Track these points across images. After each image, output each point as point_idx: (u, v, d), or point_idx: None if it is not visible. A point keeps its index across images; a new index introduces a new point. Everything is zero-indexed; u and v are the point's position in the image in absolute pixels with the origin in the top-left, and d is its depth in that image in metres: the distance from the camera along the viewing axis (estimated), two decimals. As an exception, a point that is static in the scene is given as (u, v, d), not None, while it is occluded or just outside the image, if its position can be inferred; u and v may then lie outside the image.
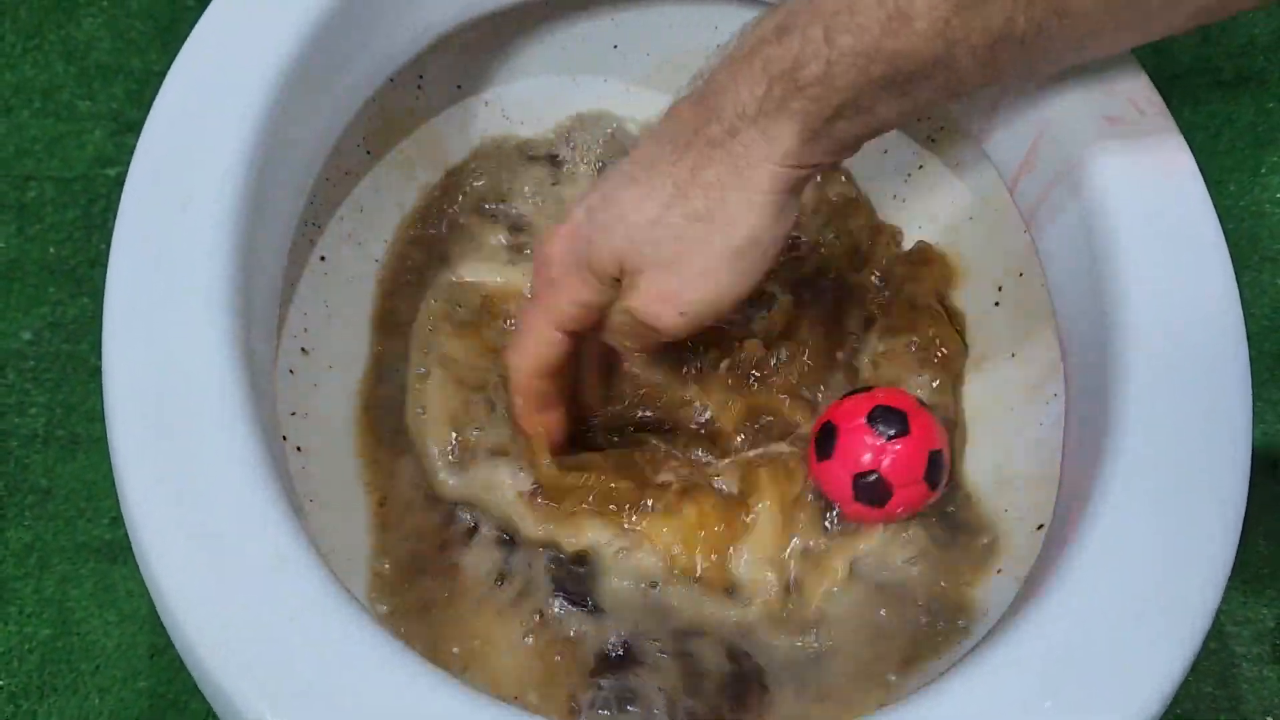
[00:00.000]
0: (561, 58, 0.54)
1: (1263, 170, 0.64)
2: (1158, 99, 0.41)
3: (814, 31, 0.34)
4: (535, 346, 0.40)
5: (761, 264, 0.37)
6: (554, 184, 0.52)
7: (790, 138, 0.35)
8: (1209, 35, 0.67)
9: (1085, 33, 0.35)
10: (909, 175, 0.53)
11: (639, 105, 0.55)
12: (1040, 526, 0.42)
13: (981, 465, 0.47)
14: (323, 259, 0.48)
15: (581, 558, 0.43)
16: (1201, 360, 0.36)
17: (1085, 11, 0.34)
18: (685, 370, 0.47)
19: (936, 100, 0.36)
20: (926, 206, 0.53)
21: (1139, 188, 0.39)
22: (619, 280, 0.38)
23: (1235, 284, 0.37)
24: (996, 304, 0.50)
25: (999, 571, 0.43)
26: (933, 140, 0.52)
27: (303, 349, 0.46)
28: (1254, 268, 0.62)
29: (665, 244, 0.36)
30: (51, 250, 0.59)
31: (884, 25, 0.33)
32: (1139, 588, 0.32)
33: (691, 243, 0.36)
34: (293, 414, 0.44)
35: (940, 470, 0.42)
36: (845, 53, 0.33)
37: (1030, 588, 0.34)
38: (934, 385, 0.47)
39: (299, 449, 0.44)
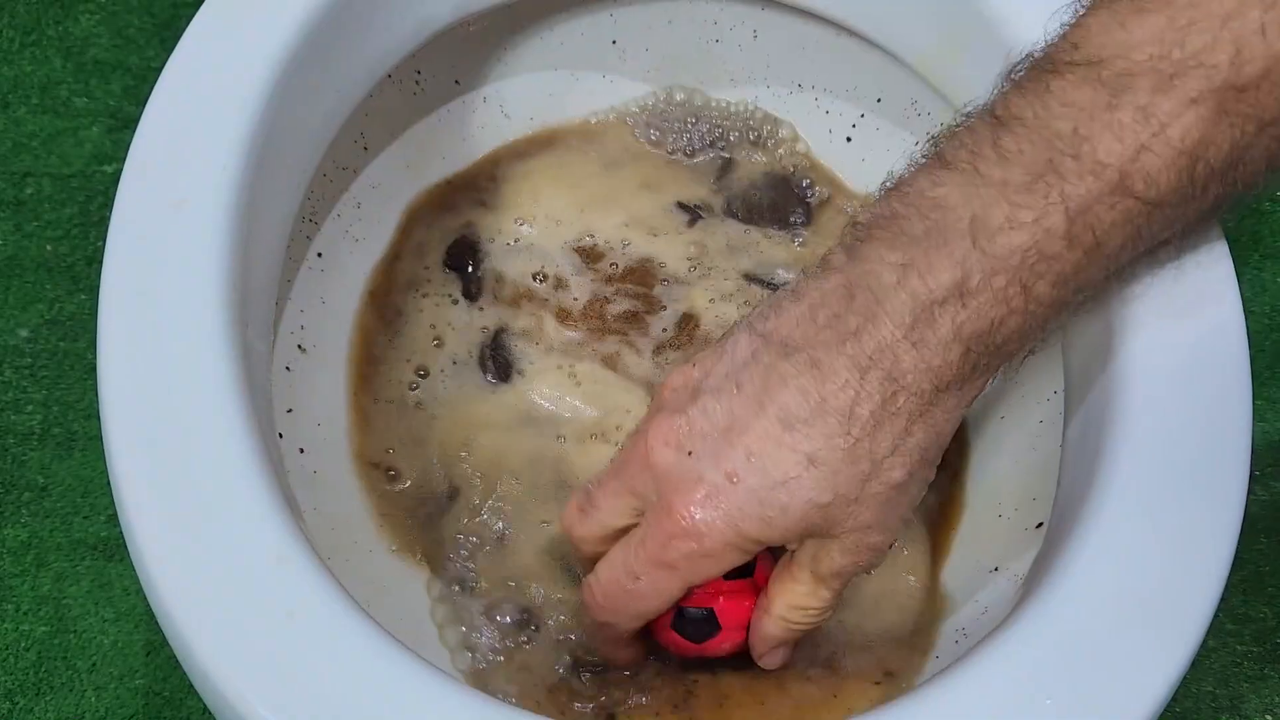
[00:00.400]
0: (561, 53, 0.54)
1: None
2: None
3: (1010, 288, 0.29)
4: (660, 604, 0.36)
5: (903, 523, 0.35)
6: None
7: (983, 386, 0.33)
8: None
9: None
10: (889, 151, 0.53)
11: (638, 100, 0.55)
12: (1039, 525, 0.42)
13: (978, 461, 0.47)
14: (320, 255, 0.48)
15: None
16: (1202, 357, 0.35)
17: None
18: None
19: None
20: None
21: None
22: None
23: (1236, 281, 0.37)
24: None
25: (994, 570, 0.43)
26: (917, 117, 0.52)
27: (299, 346, 0.46)
28: (1254, 265, 0.62)
29: (869, 512, 0.33)
30: (49, 247, 0.59)
31: (1078, 259, 0.29)
32: (1138, 587, 0.32)
33: (897, 503, 0.33)
34: (289, 411, 0.44)
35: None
36: (1043, 301, 0.30)
37: (1029, 587, 0.33)
38: None
39: (300, 450, 0.44)
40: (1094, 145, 0.28)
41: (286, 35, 0.39)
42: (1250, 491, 0.35)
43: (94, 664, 0.49)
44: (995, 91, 0.31)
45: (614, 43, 0.54)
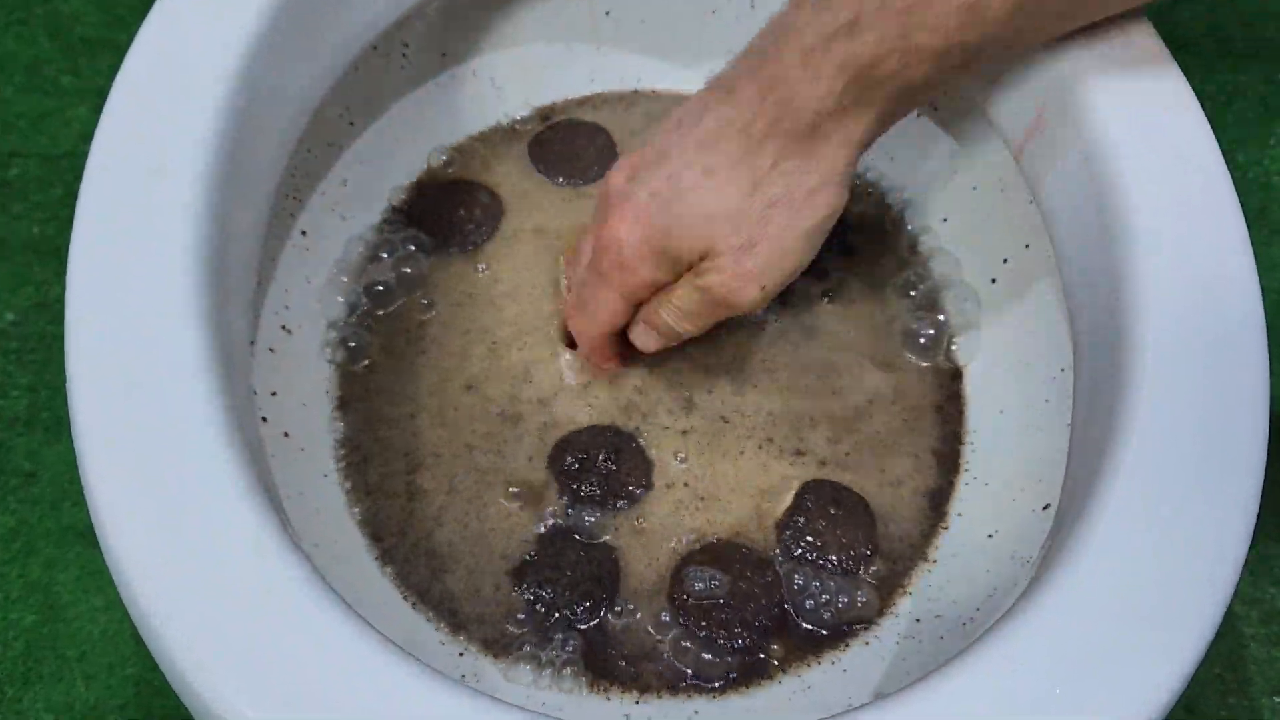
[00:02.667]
0: (553, 25, 0.53)
1: (1271, 141, 0.63)
2: (1169, 57, 0.40)
3: (890, 30, 0.34)
4: (607, 316, 0.42)
5: (823, 237, 0.39)
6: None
7: (867, 127, 0.37)
8: (1219, 4, 0.65)
9: None
10: (916, 147, 0.52)
11: (633, 73, 0.54)
12: (1046, 506, 0.41)
13: (984, 442, 0.46)
14: (304, 234, 0.47)
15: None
16: (1217, 331, 0.34)
17: None
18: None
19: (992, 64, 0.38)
20: (930, 178, 0.52)
21: (1152, 153, 0.38)
22: (690, 263, 0.40)
23: (1251, 255, 0.36)
24: (994, 280, 0.49)
25: (1013, 557, 0.42)
26: (935, 109, 0.50)
27: (283, 327, 0.45)
28: (1263, 241, 0.61)
29: (748, 229, 0.38)
30: (36, 229, 0.58)
31: (960, 19, 0.34)
32: (1151, 573, 0.31)
33: (773, 226, 0.38)
34: (274, 394, 0.43)
35: None
36: (922, 49, 0.34)
37: (1040, 573, 0.32)
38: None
39: (286, 435, 0.43)
40: None
41: (264, 3, 0.38)
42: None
43: (84, 653, 0.49)
44: None
45: (608, 14, 0.53)
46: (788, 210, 0.37)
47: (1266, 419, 0.33)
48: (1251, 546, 0.51)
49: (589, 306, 0.42)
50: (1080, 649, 0.30)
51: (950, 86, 0.38)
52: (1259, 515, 0.46)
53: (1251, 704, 0.49)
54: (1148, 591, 0.31)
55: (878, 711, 0.29)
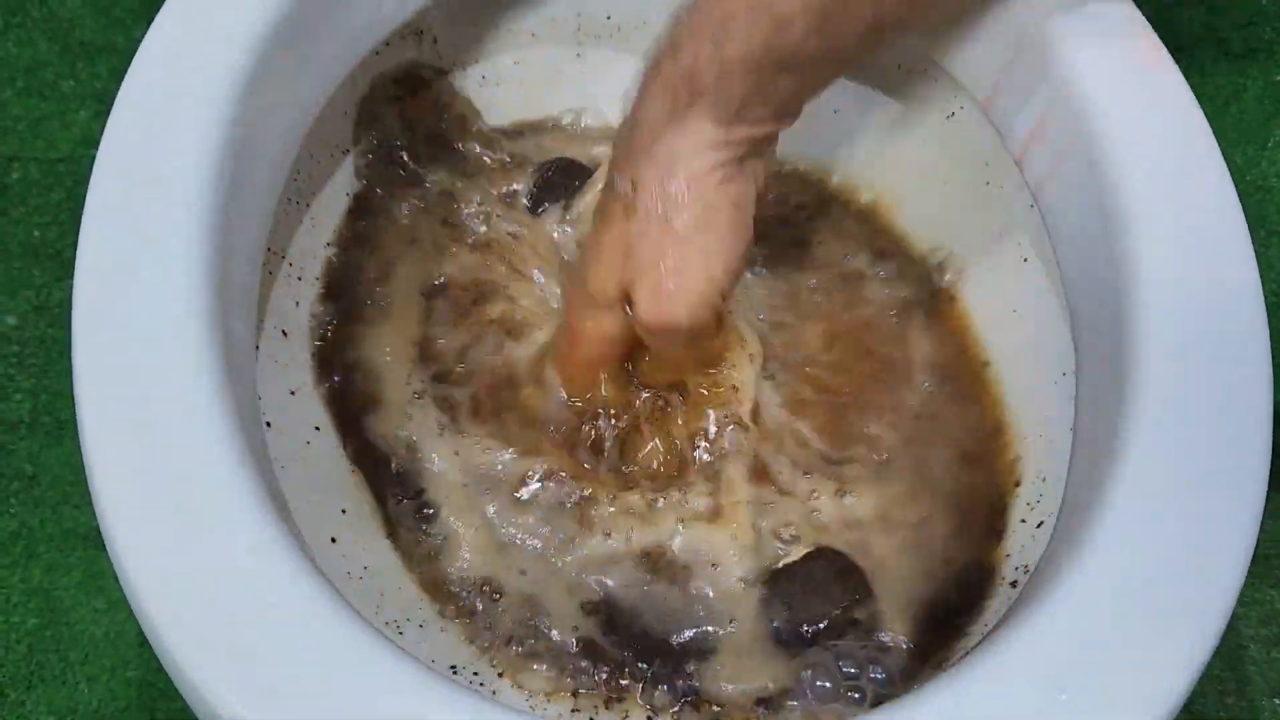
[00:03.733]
0: (557, 30, 0.53)
1: (1270, 144, 0.63)
2: (1170, 62, 0.40)
3: (703, 45, 0.37)
4: (581, 374, 0.44)
5: (734, 229, 0.39)
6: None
7: (706, 128, 0.38)
8: (1217, 6, 0.66)
9: None
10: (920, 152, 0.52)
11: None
12: (1039, 525, 0.41)
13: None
14: (310, 239, 0.47)
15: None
16: (1220, 334, 0.34)
17: None
18: None
19: (841, 71, 0.39)
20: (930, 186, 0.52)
21: (1154, 157, 0.38)
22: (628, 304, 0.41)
23: (1253, 256, 0.36)
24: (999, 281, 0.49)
25: (1008, 557, 0.42)
26: (950, 116, 0.51)
27: (283, 332, 0.45)
28: (1260, 243, 0.61)
29: (637, 253, 0.39)
30: (36, 233, 0.58)
31: (766, 32, 0.36)
32: (1156, 577, 0.31)
33: (656, 242, 0.39)
34: (292, 393, 0.43)
35: None
36: (734, 58, 0.36)
37: (1044, 577, 0.33)
38: None
39: (307, 443, 0.43)
40: None
41: (269, 6, 0.38)
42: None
43: (86, 655, 0.49)
44: None
45: (608, 18, 0.53)
46: (661, 224, 0.39)
47: (1270, 422, 0.34)
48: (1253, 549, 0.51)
49: (563, 361, 0.45)
50: (1085, 653, 0.30)
51: (812, 86, 0.40)
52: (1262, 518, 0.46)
53: (1251, 705, 0.49)
54: (1153, 595, 0.31)
55: (883, 716, 0.29)
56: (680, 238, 0.38)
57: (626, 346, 0.43)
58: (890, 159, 0.53)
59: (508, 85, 0.53)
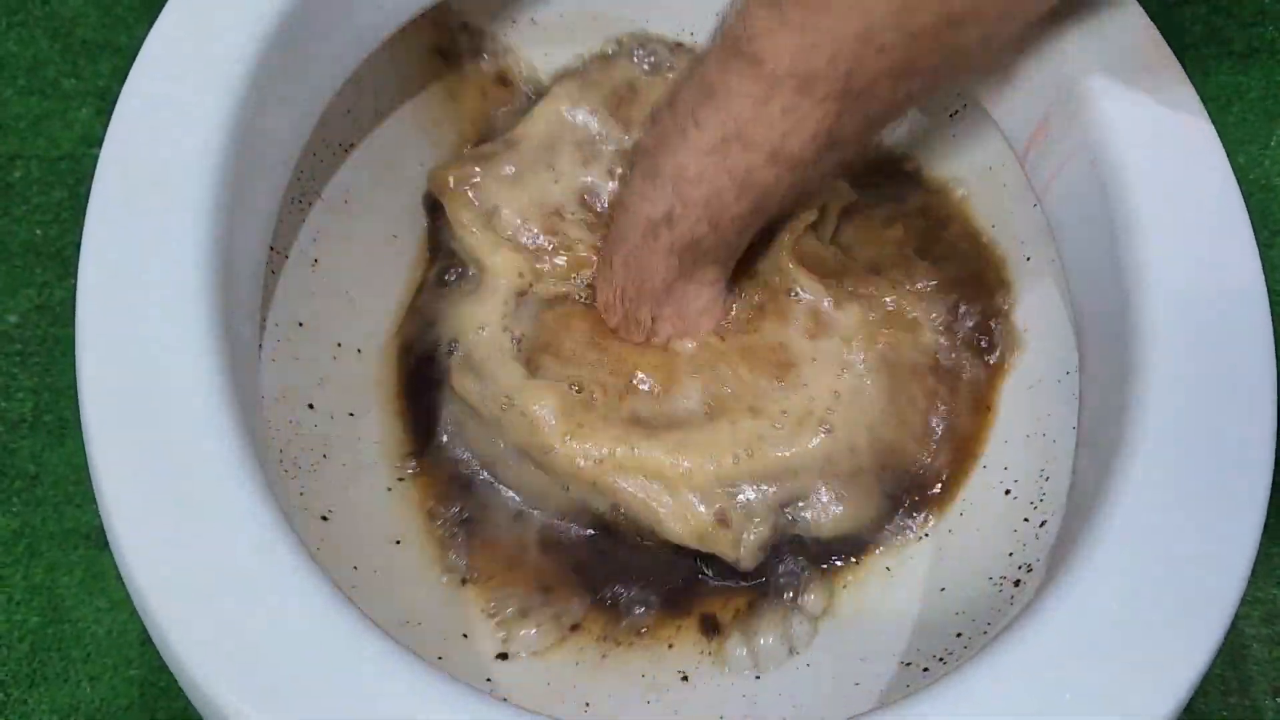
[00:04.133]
0: (564, 24, 0.53)
1: (1272, 143, 0.63)
2: (1174, 61, 0.40)
3: (700, 224, 0.40)
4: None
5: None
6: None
7: (713, 274, 0.43)
8: (1219, 6, 0.66)
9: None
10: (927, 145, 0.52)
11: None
12: (1044, 523, 0.41)
13: (988, 444, 0.46)
14: (314, 240, 0.47)
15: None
16: (1223, 334, 0.34)
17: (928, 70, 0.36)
18: None
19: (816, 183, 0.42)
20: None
21: (1158, 156, 0.38)
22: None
23: (1258, 258, 0.36)
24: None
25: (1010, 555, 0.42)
26: (954, 115, 0.50)
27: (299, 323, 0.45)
28: (1264, 242, 0.61)
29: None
30: (38, 232, 0.58)
31: (753, 198, 0.39)
32: (1160, 577, 0.31)
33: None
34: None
35: None
36: (729, 229, 0.40)
37: (1048, 577, 0.33)
38: None
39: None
40: (753, 130, 0.37)
41: (271, 6, 0.38)
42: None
43: (88, 654, 0.49)
44: (711, 44, 0.38)
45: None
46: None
47: (1274, 421, 0.34)
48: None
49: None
50: (1089, 653, 0.30)
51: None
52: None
53: (1253, 704, 0.49)
54: (1156, 595, 0.31)
55: (888, 715, 0.29)
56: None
57: None
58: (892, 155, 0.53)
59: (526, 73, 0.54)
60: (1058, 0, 0.38)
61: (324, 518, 0.42)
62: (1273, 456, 0.33)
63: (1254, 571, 0.51)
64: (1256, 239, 0.60)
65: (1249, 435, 0.33)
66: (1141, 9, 0.41)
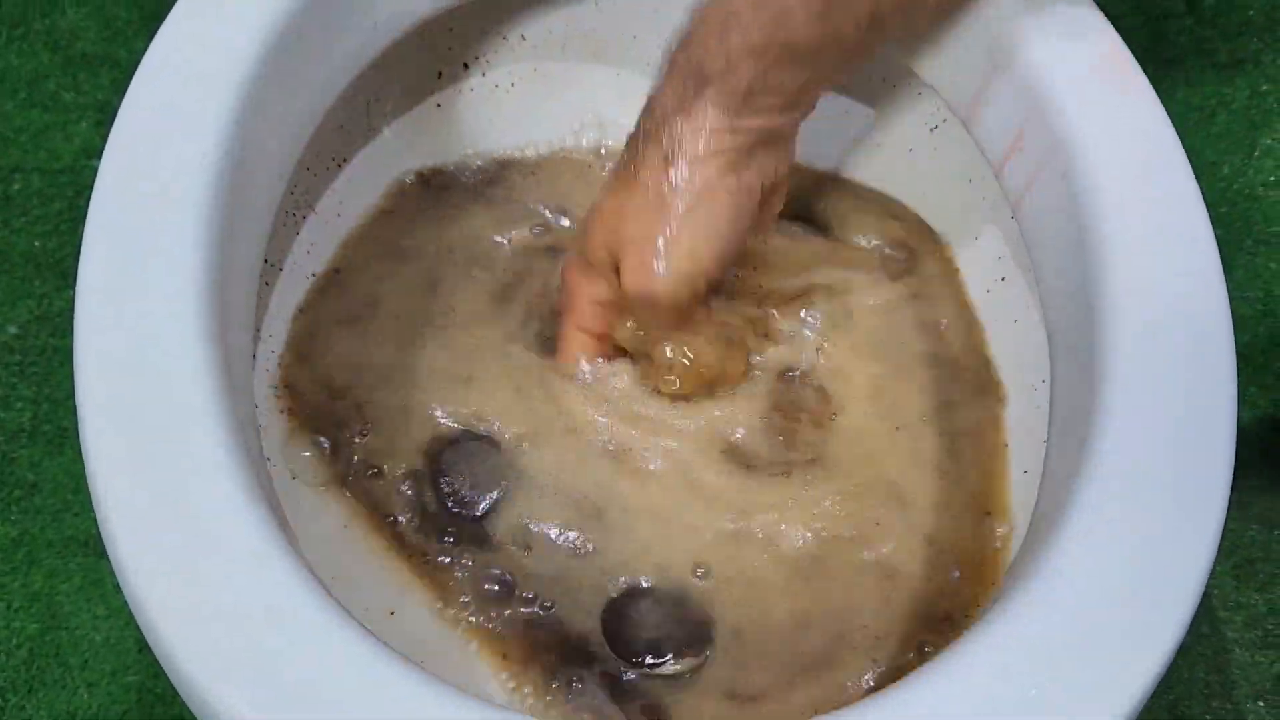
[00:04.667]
0: (557, 42, 0.53)
1: (1256, 153, 0.64)
2: (1145, 82, 0.41)
3: (710, 36, 0.39)
4: (570, 348, 0.46)
5: (730, 217, 0.41)
6: None
7: (713, 116, 0.40)
8: (1204, 18, 0.66)
9: None
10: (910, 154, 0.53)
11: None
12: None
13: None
14: (309, 252, 0.48)
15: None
16: (1187, 345, 0.35)
17: None
18: None
19: (846, 62, 0.41)
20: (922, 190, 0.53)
21: (1126, 172, 0.39)
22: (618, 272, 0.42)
23: (1221, 269, 0.37)
24: (988, 291, 0.50)
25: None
26: (934, 130, 0.51)
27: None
28: (1248, 250, 0.62)
29: (631, 224, 0.41)
30: (37, 243, 0.58)
31: (767, 23, 0.38)
32: (1122, 578, 0.32)
33: (650, 216, 0.41)
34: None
35: None
36: (739, 47, 0.38)
37: (1014, 580, 0.33)
38: None
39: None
40: None
41: (266, 23, 0.39)
42: (1242, 478, 0.35)
43: (86, 661, 0.49)
44: None
45: (634, 37, 0.53)
46: (659, 200, 0.41)
47: (1233, 429, 0.34)
48: (1235, 553, 0.52)
49: (559, 340, 0.46)
50: (1051, 656, 0.31)
51: (835, 79, 0.42)
52: (1243, 522, 0.47)
53: (1236, 708, 0.50)
54: (1117, 596, 0.32)
55: (854, 714, 0.29)
56: (673, 215, 0.40)
57: (614, 312, 0.44)
58: (875, 167, 0.53)
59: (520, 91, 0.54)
60: None
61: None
62: (1232, 461, 0.34)
63: (1235, 577, 0.52)
64: (1241, 248, 0.61)
65: (1209, 442, 0.34)
66: (1109, 22, 0.42)
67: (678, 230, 0.40)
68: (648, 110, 0.41)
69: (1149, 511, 0.33)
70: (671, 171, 0.40)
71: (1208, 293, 0.36)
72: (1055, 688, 0.30)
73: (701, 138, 0.40)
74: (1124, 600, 0.32)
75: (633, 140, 0.42)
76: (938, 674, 0.30)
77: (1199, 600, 0.32)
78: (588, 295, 0.44)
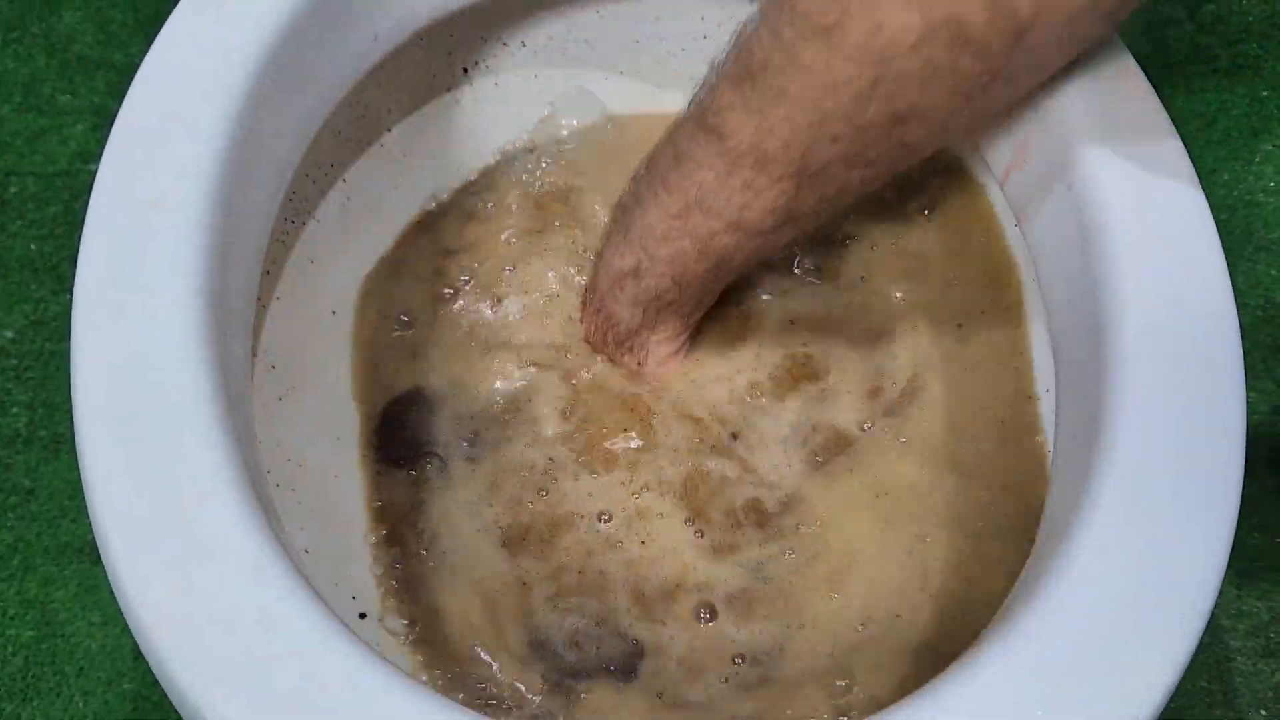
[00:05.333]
0: (553, 50, 0.53)
1: (1256, 159, 0.63)
2: (1150, 92, 0.40)
3: (664, 279, 0.43)
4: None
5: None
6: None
7: (675, 325, 0.46)
8: (1204, 24, 0.66)
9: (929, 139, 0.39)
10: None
11: (652, 102, 0.54)
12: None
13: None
14: (312, 262, 0.48)
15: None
16: (1195, 355, 0.35)
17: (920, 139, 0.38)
18: None
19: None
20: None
21: (1131, 182, 0.38)
22: None
23: (1228, 278, 0.37)
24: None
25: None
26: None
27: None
28: (1248, 257, 0.62)
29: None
30: (33, 247, 0.58)
31: (714, 260, 0.41)
32: (1132, 590, 0.32)
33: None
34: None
35: None
36: (692, 284, 0.43)
37: (1022, 592, 0.33)
38: None
39: (301, 465, 0.43)
40: (715, 199, 0.39)
41: (266, 29, 0.39)
42: (1244, 485, 0.35)
43: (82, 668, 0.49)
44: (686, 112, 0.41)
45: (636, 41, 0.53)
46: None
47: (1243, 436, 0.34)
48: (1237, 560, 0.52)
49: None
50: (1062, 667, 0.31)
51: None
52: (1245, 530, 0.46)
53: (1239, 717, 0.50)
54: (1128, 612, 0.32)
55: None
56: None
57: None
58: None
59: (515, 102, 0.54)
60: (1005, 109, 0.40)
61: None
62: (1241, 472, 0.34)
63: (1239, 586, 0.52)
64: (1242, 254, 0.61)
65: (1218, 452, 0.34)
66: (1116, 33, 0.42)
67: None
68: (606, 322, 0.46)
69: (1159, 523, 0.33)
70: (647, 370, 0.47)
71: (1215, 301, 0.36)
72: (1066, 703, 0.30)
73: (672, 342, 0.47)
74: (1135, 611, 0.31)
75: (593, 335, 0.47)
76: (947, 689, 0.30)
77: (1210, 612, 0.32)
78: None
